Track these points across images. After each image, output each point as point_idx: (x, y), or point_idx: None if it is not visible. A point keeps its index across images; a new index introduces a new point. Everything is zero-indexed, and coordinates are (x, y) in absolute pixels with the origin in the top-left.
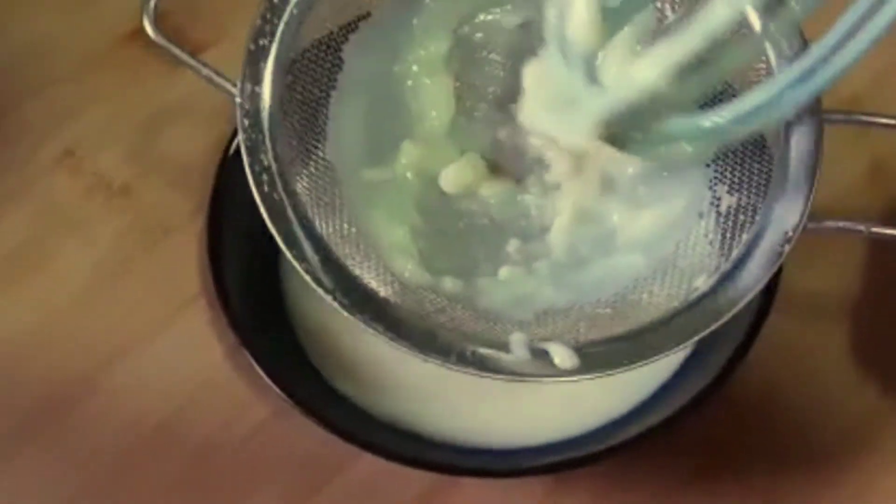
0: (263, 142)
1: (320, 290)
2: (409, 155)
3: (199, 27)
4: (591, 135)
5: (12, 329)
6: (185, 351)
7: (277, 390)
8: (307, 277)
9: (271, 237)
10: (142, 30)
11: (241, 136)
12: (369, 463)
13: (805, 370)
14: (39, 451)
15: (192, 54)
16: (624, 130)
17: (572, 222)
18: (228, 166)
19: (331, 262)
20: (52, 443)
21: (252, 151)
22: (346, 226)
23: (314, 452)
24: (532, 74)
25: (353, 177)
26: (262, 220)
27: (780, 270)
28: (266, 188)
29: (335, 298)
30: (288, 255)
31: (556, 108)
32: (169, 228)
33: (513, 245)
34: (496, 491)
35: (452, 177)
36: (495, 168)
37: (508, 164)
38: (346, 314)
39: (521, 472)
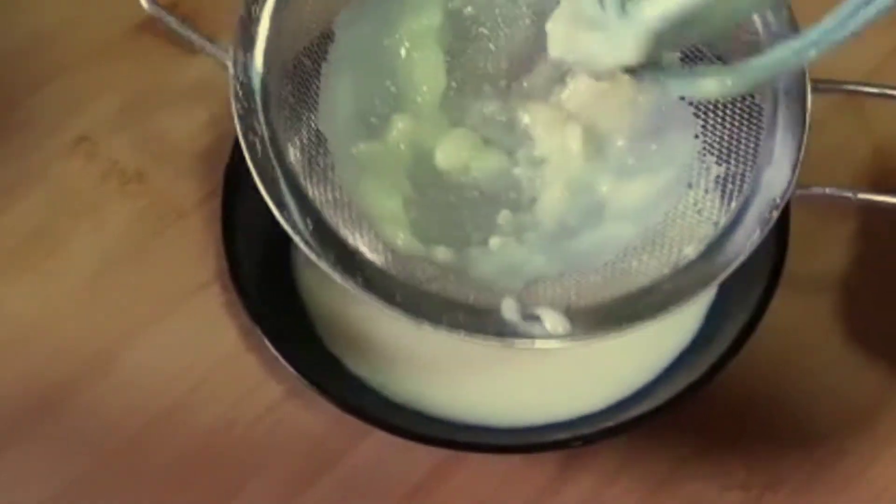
0: (256, 110)
1: (313, 256)
2: (400, 128)
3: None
4: (639, 49)
5: (27, 311)
6: (198, 333)
7: (290, 368)
8: (299, 242)
9: None
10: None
11: (233, 104)
12: (379, 442)
13: (806, 353)
14: (54, 430)
15: (184, 21)
16: (666, 46)
17: (562, 194)
18: (241, 150)
19: (323, 229)
20: (65, 422)
21: (244, 119)
22: (337, 195)
23: (325, 431)
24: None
25: (345, 148)
26: None
27: (784, 251)
28: (259, 155)
29: (328, 264)
30: (280, 219)
31: (598, 27)
32: (182, 213)
33: (503, 216)
34: (506, 469)
35: (448, 154)
36: (486, 142)
37: (499, 138)
38: (338, 279)
39: (531, 447)
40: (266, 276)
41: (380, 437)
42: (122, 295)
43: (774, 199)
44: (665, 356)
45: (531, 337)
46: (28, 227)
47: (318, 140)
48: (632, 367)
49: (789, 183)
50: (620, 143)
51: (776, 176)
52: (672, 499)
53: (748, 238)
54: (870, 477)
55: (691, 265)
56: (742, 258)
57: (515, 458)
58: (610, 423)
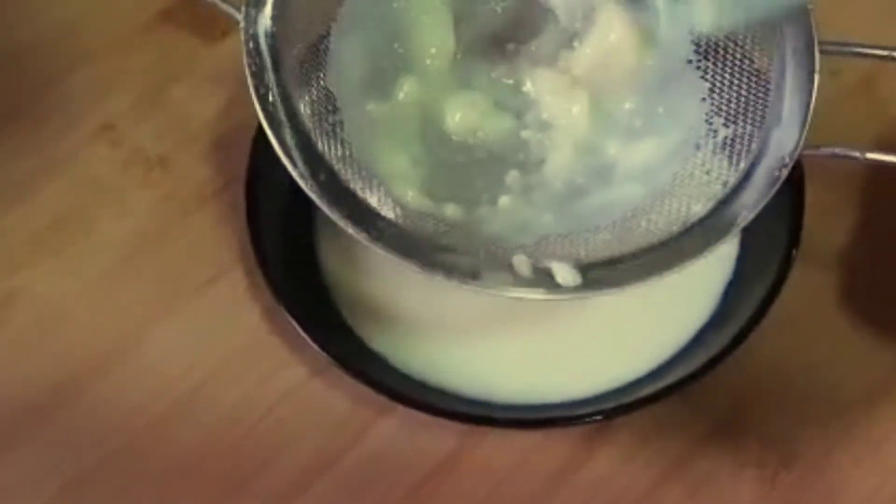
0: (267, 67)
1: (325, 208)
2: (408, 90)
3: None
4: None
5: (53, 296)
6: (222, 316)
7: (315, 347)
8: (312, 195)
9: (307, 202)
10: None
11: (244, 60)
12: (402, 419)
13: (821, 330)
14: (82, 410)
15: None
16: None
17: (570, 155)
18: (265, 134)
19: (335, 183)
20: (93, 404)
21: (257, 75)
22: (347, 151)
23: (349, 410)
24: None
25: (354, 107)
26: (297, 186)
27: (800, 227)
28: (271, 110)
29: (340, 216)
30: (293, 172)
31: None
32: (204, 199)
33: (512, 176)
34: (526, 447)
35: (456, 116)
36: (495, 104)
37: (507, 101)
38: (351, 231)
39: (554, 421)
40: (289, 258)
41: (402, 414)
42: (145, 279)
43: (783, 158)
44: (682, 334)
45: (543, 289)
46: (53, 214)
47: (328, 98)
48: (649, 345)
49: (798, 142)
50: (628, 106)
51: (785, 136)
52: (688, 475)
53: (757, 196)
54: (884, 454)
55: (701, 223)
56: (752, 215)
57: (535, 436)
58: (630, 399)
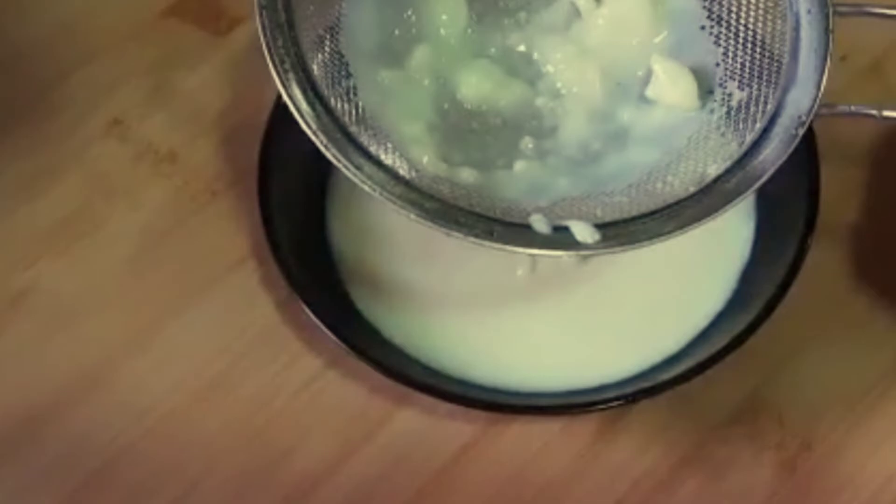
0: (281, 27)
1: (341, 165)
2: (421, 58)
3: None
4: None
5: (66, 292)
6: (236, 309)
7: (332, 337)
8: (327, 153)
9: (319, 191)
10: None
11: (258, 21)
12: (419, 409)
13: (838, 310)
14: (96, 407)
15: None
16: None
17: (583, 122)
18: (275, 126)
19: (352, 144)
20: (107, 399)
21: (270, 37)
22: (361, 115)
23: (365, 401)
24: None
25: (368, 74)
26: (309, 177)
27: (816, 208)
28: (285, 73)
29: (353, 171)
30: (310, 134)
31: None
32: (215, 192)
33: (526, 142)
34: (545, 436)
35: (470, 84)
36: (507, 73)
37: (519, 69)
38: (367, 188)
39: (573, 407)
40: (302, 249)
41: (420, 404)
42: (158, 273)
43: (800, 117)
44: (699, 319)
45: (562, 247)
46: (65, 210)
47: (342, 63)
48: (667, 331)
49: (815, 100)
50: (640, 73)
51: (801, 95)
52: (708, 461)
53: (775, 155)
54: None
55: (717, 183)
56: (771, 172)
57: (554, 425)
58: (650, 383)
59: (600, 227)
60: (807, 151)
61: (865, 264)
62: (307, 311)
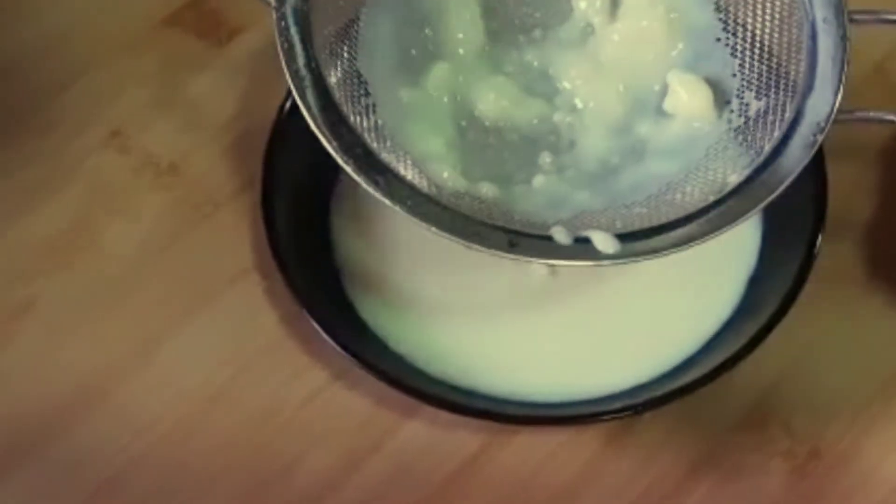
0: (297, 45)
1: (361, 181)
2: (439, 75)
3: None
4: None
5: (65, 305)
6: (239, 321)
7: (337, 348)
8: (350, 170)
9: (322, 203)
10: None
11: (277, 39)
12: (425, 421)
13: (846, 315)
14: (100, 419)
15: None
16: None
17: (601, 136)
18: (278, 136)
19: (371, 160)
20: (111, 412)
21: (288, 54)
22: (380, 132)
23: (371, 413)
24: None
25: (386, 91)
26: (313, 188)
27: (823, 213)
28: (304, 88)
29: (375, 187)
30: (330, 149)
31: None
32: (218, 203)
33: (544, 157)
34: (551, 446)
35: (487, 102)
36: (525, 90)
37: (536, 85)
38: (388, 203)
39: (582, 418)
40: (306, 259)
41: (425, 416)
42: (161, 286)
43: (819, 124)
44: (708, 327)
45: (583, 257)
46: (64, 222)
47: (360, 81)
48: (674, 340)
49: (832, 107)
50: (657, 88)
51: (819, 102)
52: (717, 469)
53: (794, 162)
54: None
55: (737, 191)
56: (790, 179)
57: (560, 436)
58: (659, 393)
59: (620, 237)
60: (813, 157)
61: (877, 266)
62: (312, 322)
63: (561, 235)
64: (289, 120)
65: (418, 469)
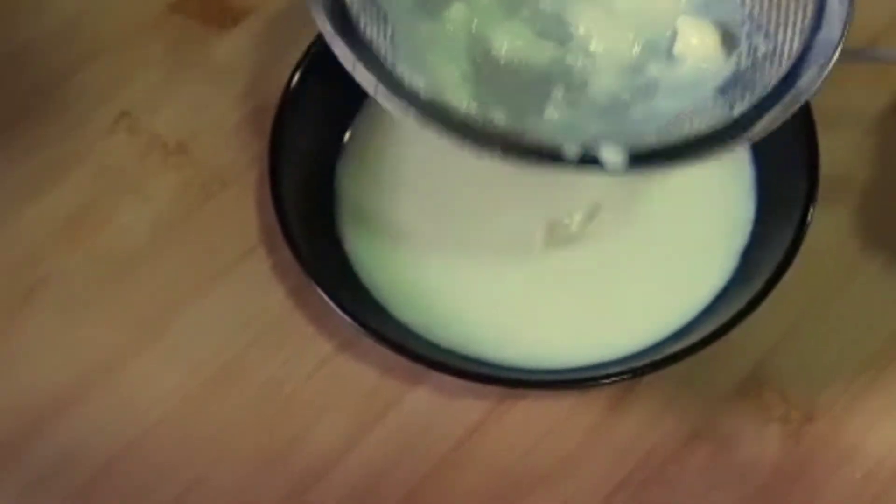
0: None
1: (387, 103)
2: (456, 15)
3: None
4: None
5: (77, 285)
6: (247, 296)
7: (344, 317)
8: (371, 86)
9: (328, 177)
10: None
11: None
12: (431, 389)
13: (840, 281)
14: (112, 395)
15: None
16: None
17: (613, 78)
18: (284, 115)
19: (392, 78)
20: (123, 388)
21: None
22: (399, 51)
23: (378, 381)
24: None
25: (405, 24)
26: (318, 164)
27: (816, 183)
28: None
29: (403, 102)
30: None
31: None
32: (225, 182)
33: (557, 92)
34: (556, 412)
35: (502, 45)
36: (539, 34)
37: (550, 29)
38: (407, 114)
39: (585, 381)
40: (313, 233)
41: (431, 383)
42: (170, 264)
43: (826, 58)
44: (705, 294)
45: (591, 168)
46: (75, 204)
47: (379, 12)
48: (672, 307)
49: (839, 41)
50: (668, 33)
51: (825, 38)
52: (716, 433)
53: (805, 86)
54: None
55: (744, 118)
56: (806, 97)
57: (564, 401)
58: (659, 357)
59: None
60: (805, 125)
61: (870, 235)
62: (320, 292)
63: (570, 145)
64: (295, 99)
65: (425, 436)
